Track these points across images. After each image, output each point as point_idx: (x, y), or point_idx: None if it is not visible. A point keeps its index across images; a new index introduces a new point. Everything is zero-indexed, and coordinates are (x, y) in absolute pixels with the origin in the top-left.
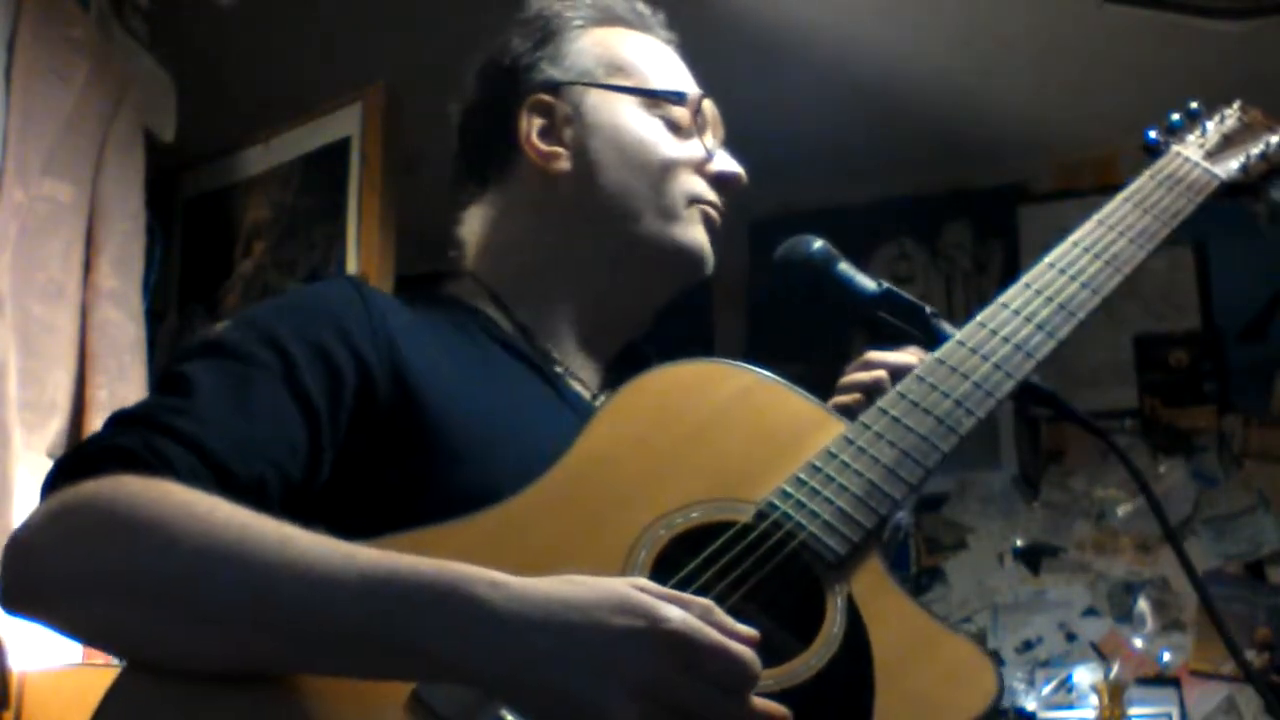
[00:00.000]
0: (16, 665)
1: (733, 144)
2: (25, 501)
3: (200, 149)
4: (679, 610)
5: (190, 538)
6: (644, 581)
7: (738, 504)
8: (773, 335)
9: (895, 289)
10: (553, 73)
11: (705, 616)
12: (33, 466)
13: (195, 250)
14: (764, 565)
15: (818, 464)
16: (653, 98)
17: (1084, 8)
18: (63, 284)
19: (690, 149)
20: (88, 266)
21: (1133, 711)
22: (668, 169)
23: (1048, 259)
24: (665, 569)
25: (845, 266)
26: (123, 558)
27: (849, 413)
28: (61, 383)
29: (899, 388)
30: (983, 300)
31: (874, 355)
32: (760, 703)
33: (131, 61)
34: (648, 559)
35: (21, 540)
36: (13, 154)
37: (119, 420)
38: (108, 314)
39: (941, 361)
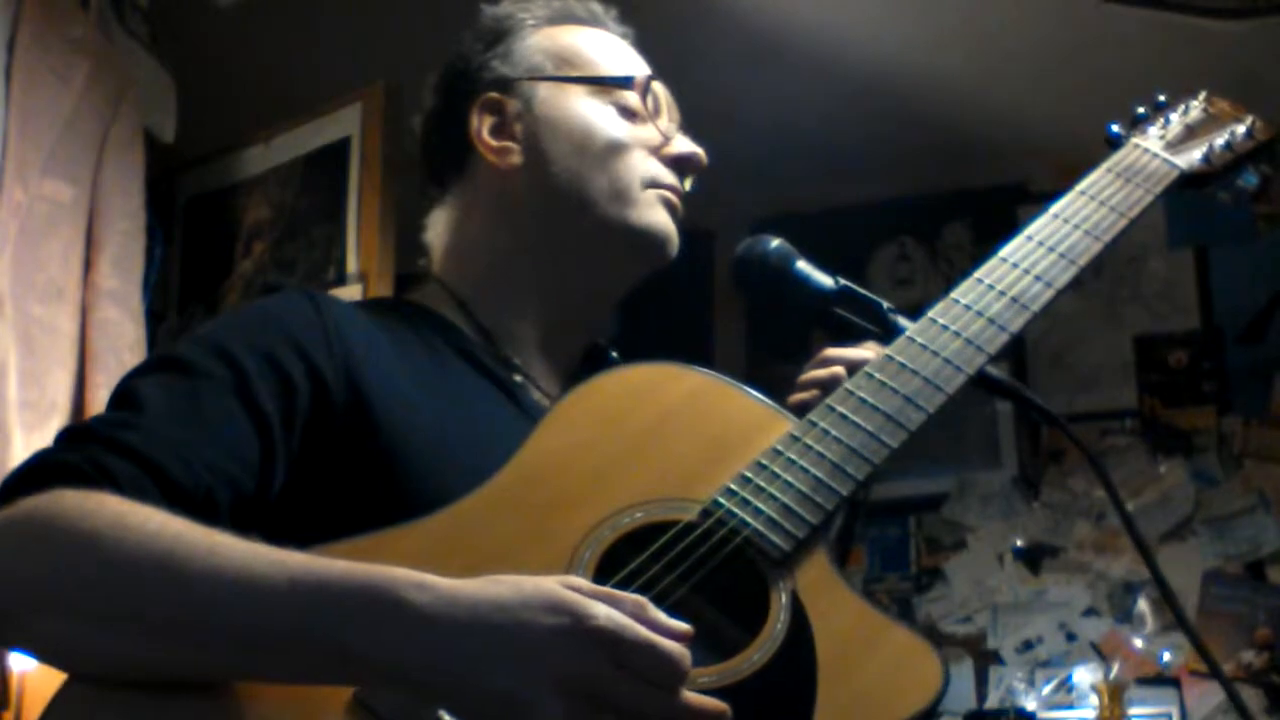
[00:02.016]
0: (16, 665)
1: (733, 144)
2: None
3: (200, 149)
4: (606, 607)
5: (121, 549)
6: (575, 580)
7: (684, 503)
8: (772, 335)
9: (852, 285)
10: (503, 70)
11: (636, 613)
12: None
13: (195, 250)
14: (708, 562)
15: (763, 461)
16: (600, 84)
17: (1084, 8)
18: (63, 284)
19: (644, 133)
20: (88, 266)
21: (1133, 711)
22: (619, 153)
23: (1001, 253)
24: (610, 568)
25: (803, 265)
26: (54, 571)
27: (806, 410)
28: (61, 383)
29: (848, 384)
30: None
31: (831, 352)
32: (693, 698)
33: (131, 61)
34: (592, 559)
35: None
36: (13, 154)
37: (66, 436)
38: (108, 314)
39: (892, 358)
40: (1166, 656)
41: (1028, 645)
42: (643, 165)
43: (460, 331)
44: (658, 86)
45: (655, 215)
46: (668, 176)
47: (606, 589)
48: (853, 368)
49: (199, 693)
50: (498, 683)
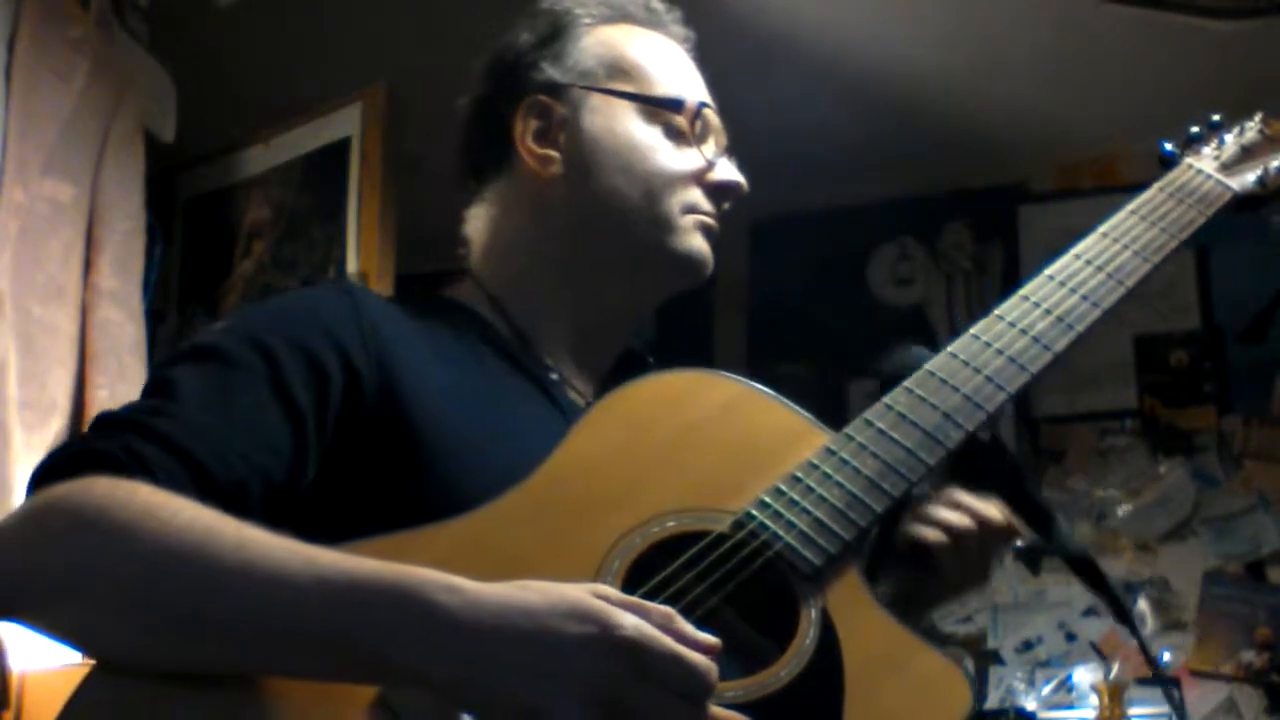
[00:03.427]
0: (16, 665)
1: (732, 144)
2: None
3: (200, 149)
4: (634, 617)
5: (151, 540)
6: (603, 588)
7: (716, 514)
8: (773, 336)
9: (1023, 476)
10: (553, 73)
11: (664, 624)
12: (33, 466)
13: (195, 250)
14: (738, 574)
15: (798, 475)
16: (652, 105)
17: (1083, 7)
18: (63, 284)
19: (688, 158)
20: (88, 266)
21: (1133, 711)
22: (663, 180)
23: (1047, 271)
24: (640, 577)
25: None
26: (85, 559)
27: (924, 550)
28: (61, 383)
29: (886, 399)
30: (983, 300)
31: (964, 499)
32: (719, 712)
33: (131, 61)
34: (621, 567)
35: None
36: (13, 154)
37: (101, 423)
38: (108, 314)
39: (933, 373)
40: (1166, 656)
41: (1028, 645)
42: (684, 191)
43: (495, 330)
44: (709, 113)
45: (693, 242)
46: (706, 204)
47: (635, 599)
48: (982, 523)
49: (222, 685)
50: (522, 689)
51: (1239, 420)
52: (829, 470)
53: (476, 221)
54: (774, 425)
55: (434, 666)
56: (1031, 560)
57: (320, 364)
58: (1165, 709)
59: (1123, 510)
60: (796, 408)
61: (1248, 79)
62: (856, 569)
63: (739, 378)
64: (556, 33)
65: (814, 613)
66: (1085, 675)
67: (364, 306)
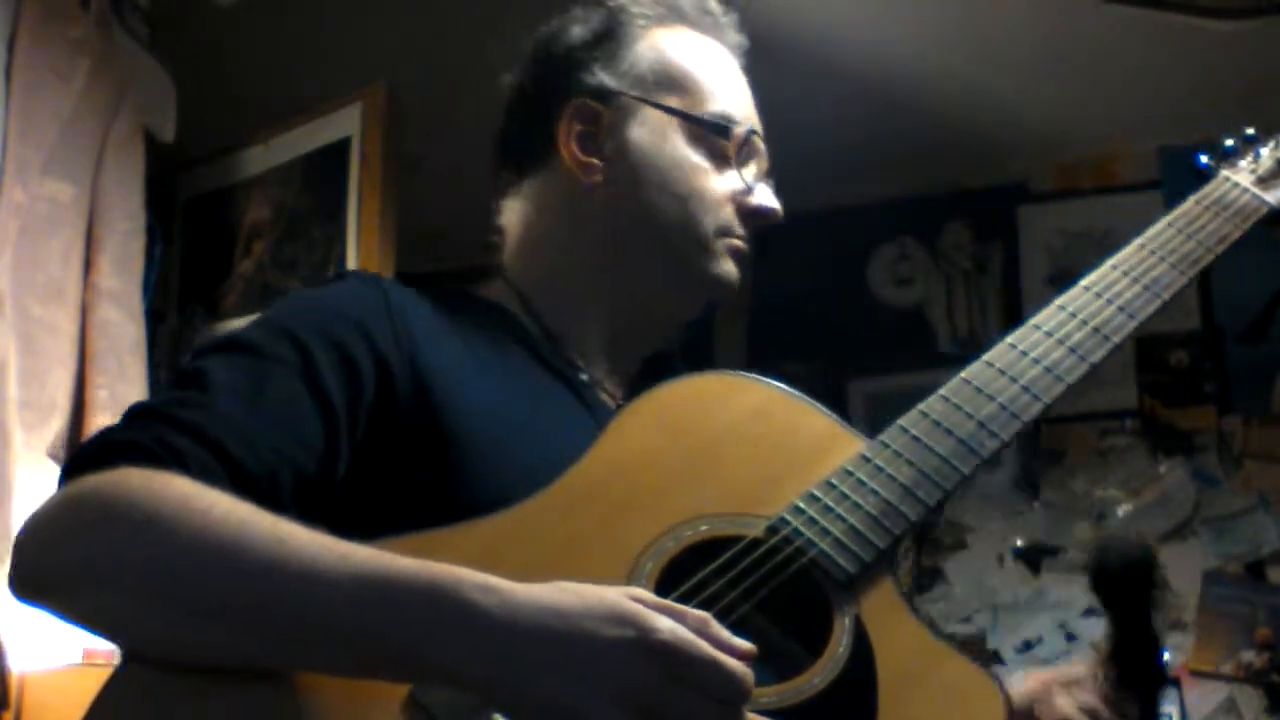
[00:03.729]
0: (16, 665)
1: None
2: (25, 501)
3: (200, 149)
4: (670, 621)
5: (185, 533)
6: (639, 591)
7: (750, 518)
8: (773, 335)
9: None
10: (604, 77)
11: (700, 629)
12: (33, 466)
13: (195, 250)
14: (772, 580)
15: (833, 481)
16: (701, 126)
17: (1084, 7)
18: (63, 284)
19: (729, 180)
20: (88, 266)
21: None
22: (703, 201)
23: (1083, 282)
24: (673, 581)
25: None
26: (118, 551)
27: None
28: (61, 383)
29: (921, 406)
30: (983, 300)
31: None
32: (753, 718)
33: (131, 61)
34: (654, 570)
35: (29, 531)
36: (13, 154)
37: (134, 414)
38: (108, 314)
39: (968, 381)
40: (1166, 656)
41: (1028, 645)
42: (721, 214)
43: (526, 329)
44: (755, 139)
45: (724, 266)
46: (739, 227)
47: (670, 603)
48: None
49: (253, 679)
50: (556, 691)
51: (1239, 420)
52: (863, 477)
53: (512, 215)
54: (808, 430)
55: (467, 666)
56: (1031, 560)
57: (352, 357)
58: (1165, 709)
59: (1123, 510)
60: (830, 412)
61: (1248, 79)
62: (890, 577)
63: (772, 381)
64: (610, 32)
65: (847, 620)
66: None
67: (395, 300)
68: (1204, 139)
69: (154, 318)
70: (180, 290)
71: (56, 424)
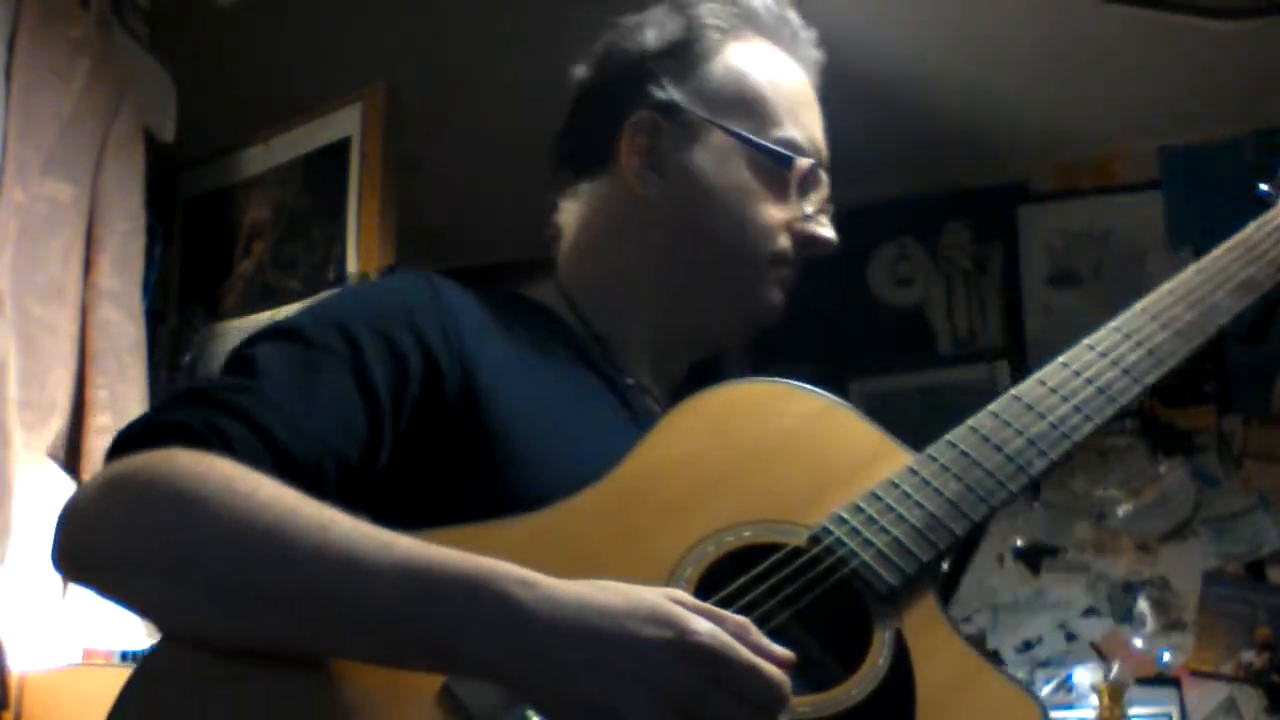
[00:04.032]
0: (16, 665)
1: None
2: (25, 501)
3: (200, 149)
4: (709, 624)
5: (228, 516)
6: (679, 593)
7: (792, 527)
8: (774, 334)
9: None
10: (673, 91)
11: (739, 634)
12: (33, 466)
13: (195, 250)
14: (812, 590)
15: (878, 493)
16: (768, 156)
17: (1084, 7)
18: (63, 284)
19: (789, 208)
20: (88, 266)
21: (1133, 711)
22: (760, 228)
23: (1140, 305)
24: (711, 586)
25: None
26: (160, 532)
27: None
28: (61, 383)
29: (971, 421)
30: (983, 300)
31: None
32: None
33: (131, 61)
34: (693, 575)
35: (73, 508)
36: (13, 154)
37: (184, 395)
38: (108, 314)
39: (1018, 398)
40: (1166, 656)
41: (1028, 645)
42: (775, 242)
43: (573, 332)
44: (820, 172)
45: (770, 295)
46: (790, 255)
47: (710, 606)
48: None
49: (291, 665)
50: (592, 689)
51: (1239, 420)
52: (909, 490)
53: (567, 216)
54: (855, 441)
55: (504, 661)
56: (1031, 560)
57: (400, 351)
58: (1165, 709)
59: (1123, 510)
60: (878, 426)
61: (1248, 79)
62: (933, 591)
63: (822, 391)
64: (684, 45)
65: (888, 633)
66: (1085, 675)
67: (445, 297)
68: (1204, 139)
69: (154, 318)
70: (180, 290)
71: (56, 424)
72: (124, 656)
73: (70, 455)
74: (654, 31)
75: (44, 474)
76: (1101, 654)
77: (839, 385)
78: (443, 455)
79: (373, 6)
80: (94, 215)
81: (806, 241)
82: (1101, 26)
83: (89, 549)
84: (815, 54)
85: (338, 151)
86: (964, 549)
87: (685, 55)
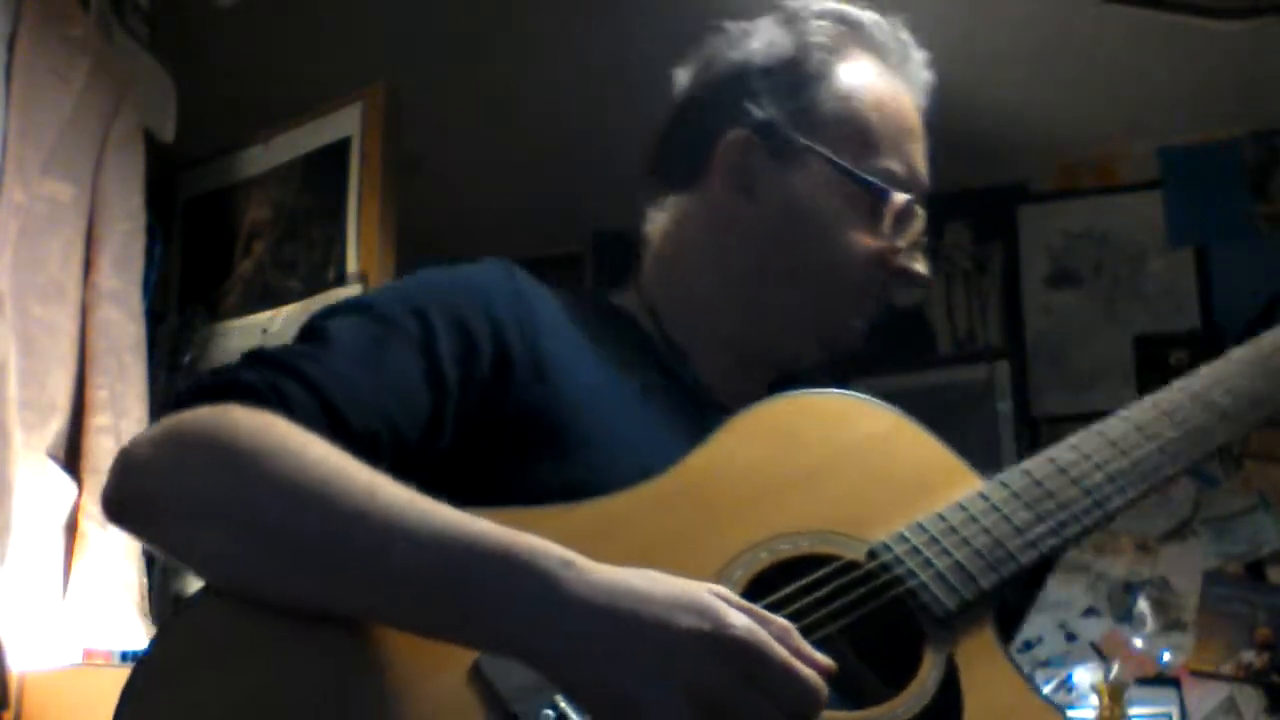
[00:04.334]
0: (16, 665)
1: None
2: (25, 501)
3: (200, 149)
4: (747, 619)
5: (278, 471)
6: (723, 589)
7: (851, 540)
8: None
9: None
10: (773, 112)
11: (781, 637)
12: (33, 466)
13: (195, 250)
14: (864, 605)
15: (944, 514)
16: (867, 189)
17: (1084, 7)
18: (63, 284)
19: (880, 238)
20: (88, 266)
21: (1133, 711)
22: (848, 259)
23: (1237, 353)
24: (761, 591)
25: None
26: (210, 482)
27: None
28: (61, 383)
29: (1048, 452)
30: (982, 300)
31: None
32: None
33: (131, 61)
34: (744, 577)
35: (128, 456)
36: (13, 154)
37: (252, 356)
38: (108, 314)
39: (1102, 433)
40: (1166, 656)
41: (1028, 645)
42: (863, 272)
43: (652, 341)
44: (917, 208)
45: (852, 325)
46: (878, 287)
47: (754, 606)
48: None
49: (328, 626)
50: (620, 674)
51: None
52: (977, 514)
53: (655, 226)
54: (926, 461)
55: (534, 638)
56: None
57: (472, 335)
58: (1165, 709)
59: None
60: (951, 449)
61: (1248, 79)
62: (991, 619)
63: (897, 409)
64: (790, 65)
65: (939, 657)
66: (1085, 675)
67: (524, 288)
68: (1204, 139)
69: (154, 318)
70: (180, 290)
71: (56, 424)
72: (124, 656)
73: (70, 455)
74: (758, 44)
75: (44, 474)
76: (1101, 654)
77: (839, 384)
78: (508, 439)
79: (373, 6)
80: (94, 215)
81: (896, 275)
82: (1101, 26)
83: (140, 496)
84: (925, 76)
85: (337, 151)
86: (1029, 584)
87: (788, 74)
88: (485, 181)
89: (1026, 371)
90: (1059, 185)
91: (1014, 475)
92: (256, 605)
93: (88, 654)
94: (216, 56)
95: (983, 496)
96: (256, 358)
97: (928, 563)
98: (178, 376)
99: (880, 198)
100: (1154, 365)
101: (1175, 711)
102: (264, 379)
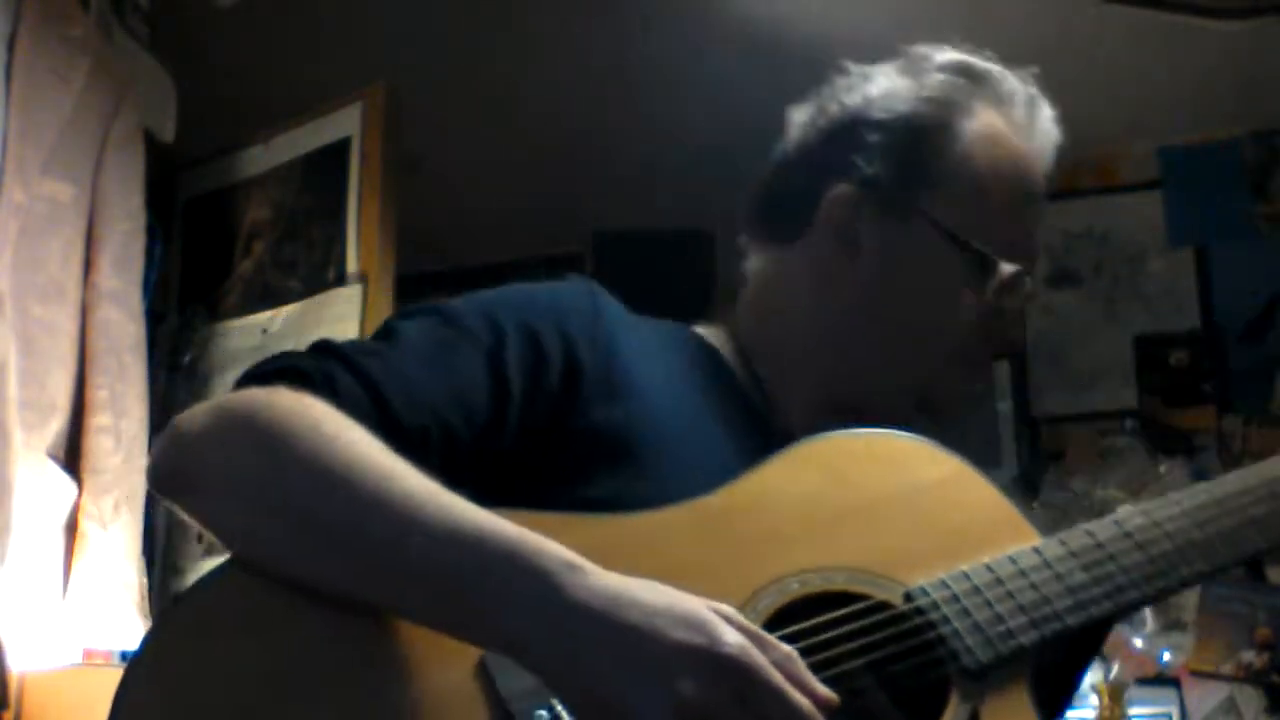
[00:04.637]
0: (16, 665)
1: (733, 144)
2: (25, 501)
3: (200, 149)
4: (741, 638)
5: (306, 452)
6: (726, 608)
7: (889, 582)
8: None
9: None
10: (882, 169)
11: (780, 663)
12: (33, 466)
13: (195, 250)
14: (890, 646)
15: (991, 565)
16: (979, 264)
17: (1083, 7)
18: (63, 284)
19: (981, 305)
20: (88, 266)
21: (1133, 711)
22: (945, 324)
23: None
24: (788, 623)
25: None
26: (241, 459)
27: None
28: (61, 383)
29: (1115, 515)
30: None
31: None
32: None
33: (131, 61)
34: (770, 607)
35: (176, 429)
36: (13, 154)
37: (316, 346)
38: (108, 314)
39: (1178, 503)
40: (1166, 656)
41: None
42: (961, 339)
43: (734, 375)
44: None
45: (946, 389)
46: (976, 356)
47: (757, 630)
48: None
49: (347, 610)
50: (609, 680)
51: (1239, 420)
52: (1027, 569)
53: (754, 267)
54: (982, 512)
55: (532, 638)
56: None
57: (543, 349)
58: (1165, 709)
59: (1123, 510)
60: (1013, 502)
61: (1248, 79)
62: (1026, 679)
63: (963, 458)
64: (905, 118)
65: (964, 711)
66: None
67: (605, 308)
68: (1204, 139)
69: (154, 318)
70: (180, 290)
71: (56, 424)
72: (124, 656)
73: (70, 455)
74: (876, 92)
75: (44, 474)
76: (1101, 654)
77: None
78: (570, 453)
79: (373, 6)
80: (94, 215)
81: (994, 343)
82: (1101, 26)
83: (180, 467)
84: (1053, 136)
85: (338, 151)
86: (1080, 650)
87: (903, 129)
88: (485, 181)
89: (1026, 371)
90: (1059, 185)
91: (1074, 534)
92: (279, 581)
93: (88, 654)
94: (216, 56)
95: (1036, 551)
96: (320, 347)
97: (965, 612)
98: (178, 376)
99: (987, 268)
100: (1154, 365)
101: (1175, 711)
102: (319, 366)
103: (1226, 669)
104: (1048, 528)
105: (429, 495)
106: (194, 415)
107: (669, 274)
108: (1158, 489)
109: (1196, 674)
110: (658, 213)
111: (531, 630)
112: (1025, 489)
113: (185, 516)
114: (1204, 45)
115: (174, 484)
